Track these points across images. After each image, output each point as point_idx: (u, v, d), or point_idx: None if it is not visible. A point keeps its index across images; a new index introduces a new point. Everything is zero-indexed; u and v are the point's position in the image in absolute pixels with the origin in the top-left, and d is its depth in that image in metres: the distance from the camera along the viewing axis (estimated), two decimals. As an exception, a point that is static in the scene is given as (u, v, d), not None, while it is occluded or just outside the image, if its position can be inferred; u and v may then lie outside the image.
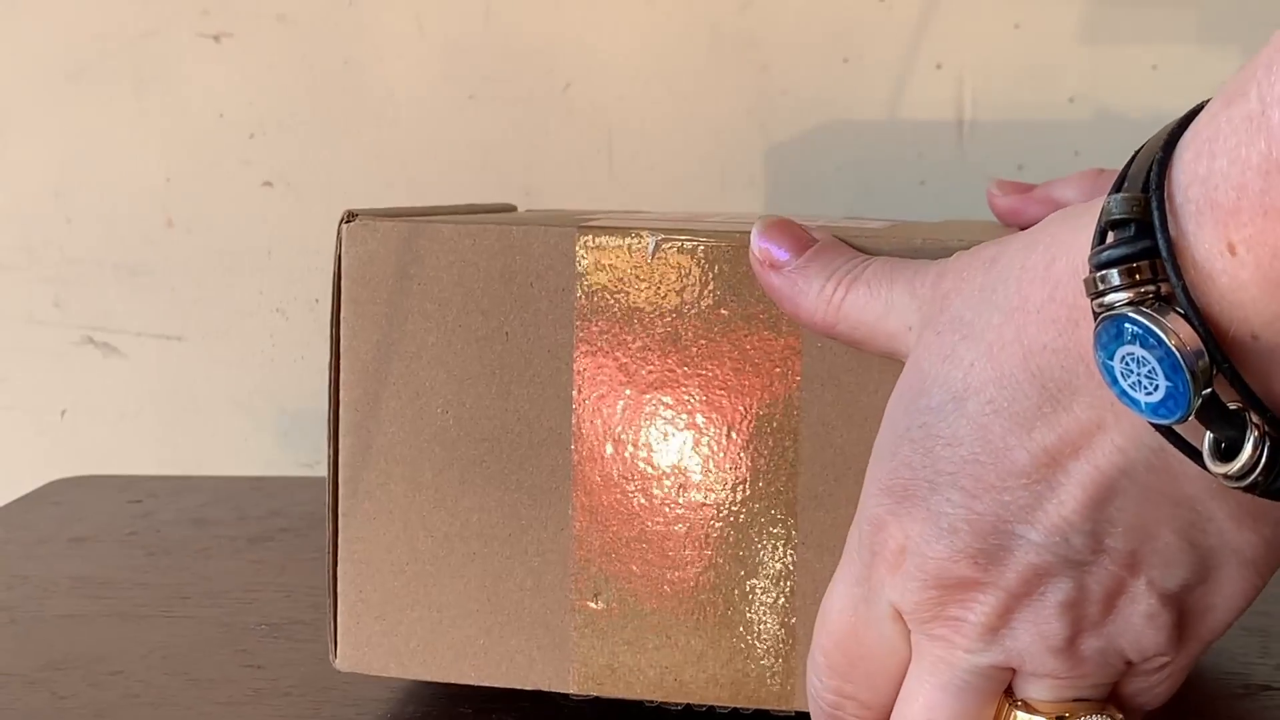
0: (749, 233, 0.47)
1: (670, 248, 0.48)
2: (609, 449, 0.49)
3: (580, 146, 0.89)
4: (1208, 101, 0.35)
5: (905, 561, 0.40)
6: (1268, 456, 0.34)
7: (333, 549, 0.52)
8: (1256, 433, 0.34)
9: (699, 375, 0.48)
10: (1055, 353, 0.37)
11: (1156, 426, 0.36)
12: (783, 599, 0.49)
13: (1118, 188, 0.36)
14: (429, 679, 0.52)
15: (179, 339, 0.94)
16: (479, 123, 0.90)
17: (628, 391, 0.49)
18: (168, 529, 0.76)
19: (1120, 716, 0.42)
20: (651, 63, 0.89)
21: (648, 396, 0.49)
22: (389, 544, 0.52)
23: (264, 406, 0.94)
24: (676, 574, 0.49)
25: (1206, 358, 0.34)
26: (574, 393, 0.49)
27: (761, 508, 0.48)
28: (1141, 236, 0.34)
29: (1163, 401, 0.34)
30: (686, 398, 0.49)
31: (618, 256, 0.49)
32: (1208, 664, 0.57)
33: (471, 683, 0.51)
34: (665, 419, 0.49)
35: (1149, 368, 0.34)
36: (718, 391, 0.48)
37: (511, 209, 0.67)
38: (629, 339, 0.49)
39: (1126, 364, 0.34)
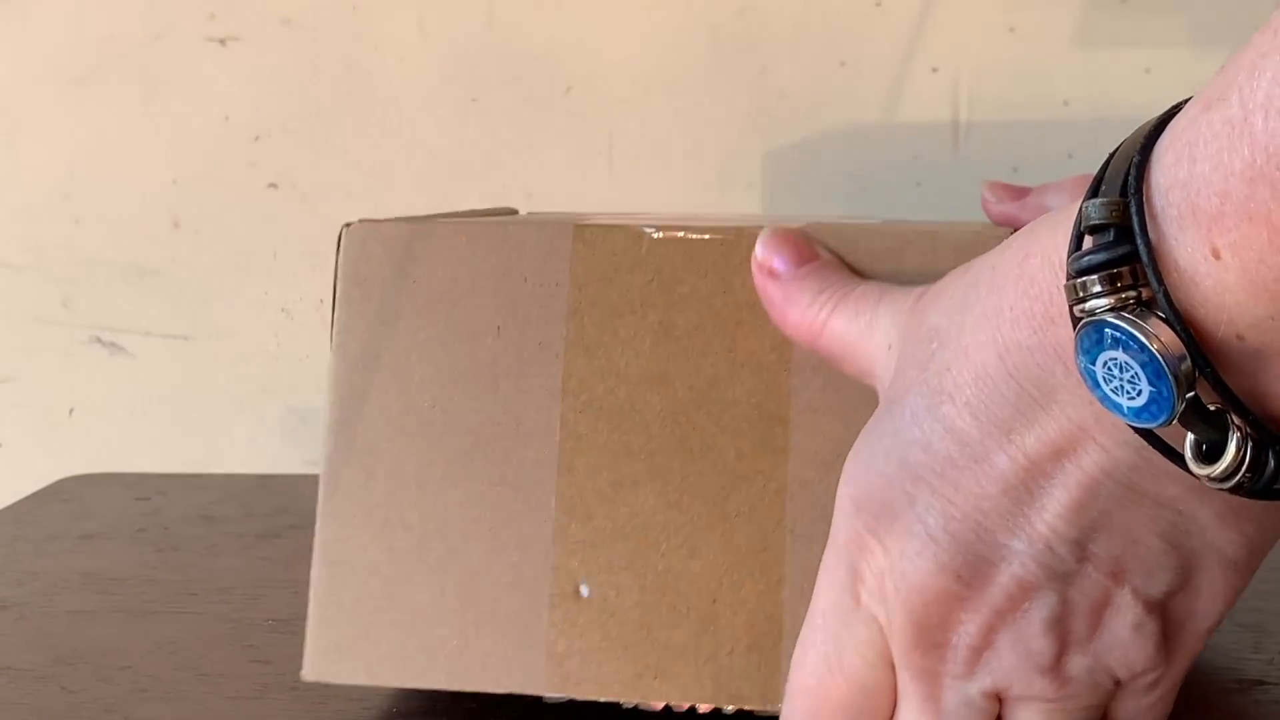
0: (740, 228, 0.47)
1: (661, 238, 0.48)
2: (597, 441, 0.49)
3: (581, 149, 0.89)
4: (1184, 102, 0.35)
5: (886, 581, 0.40)
6: (1251, 457, 0.34)
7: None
8: (1239, 434, 0.34)
9: (689, 366, 0.48)
10: (1031, 351, 0.36)
11: (1139, 431, 0.35)
12: (768, 591, 0.49)
13: (1094, 191, 0.35)
14: (399, 685, 0.51)
15: (186, 338, 0.94)
16: (481, 125, 0.90)
17: (618, 385, 0.49)
18: (176, 526, 0.76)
19: None
20: (651, 66, 0.88)
21: (638, 389, 0.49)
22: (365, 543, 0.51)
23: (270, 405, 0.94)
24: (660, 566, 0.49)
25: (1189, 361, 0.33)
26: (561, 386, 0.49)
27: (749, 497, 0.48)
28: (1121, 242, 0.34)
29: (1145, 406, 0.34)
30: (676, 390, 0.48)
31: (611, 250, 0.49)
32: (1202, 660, 0.57)
33: (443, 688, 0.51)
34: (654, 411, 0.48)
35: (1131, 373, 0.34)
36: (706, 383, 0.48)
37: (513, 213, 0.67)
38: (620, 332, 0.49)
39: (1109, 369, 0.34)
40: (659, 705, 0.50)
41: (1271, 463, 0.34)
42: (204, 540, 0.73)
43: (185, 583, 0.67)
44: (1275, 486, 0.35)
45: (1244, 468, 0.34)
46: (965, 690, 0.40)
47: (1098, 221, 0.34)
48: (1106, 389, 0.34)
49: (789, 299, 0.46)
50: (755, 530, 0.48)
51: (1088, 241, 0.35)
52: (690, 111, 0.89)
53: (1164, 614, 0.40)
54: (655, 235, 0.49)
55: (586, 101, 0.89)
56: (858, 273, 0.49)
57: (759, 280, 0.47)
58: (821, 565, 0.42)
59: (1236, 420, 0.34)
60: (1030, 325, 0.36)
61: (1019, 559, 0.38)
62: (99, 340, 0.94)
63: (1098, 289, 0.34)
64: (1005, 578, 0.38)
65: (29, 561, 0.70)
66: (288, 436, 0.94)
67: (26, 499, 0.81)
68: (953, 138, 0.85)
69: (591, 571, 0.49)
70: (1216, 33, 0.82)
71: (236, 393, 0.94)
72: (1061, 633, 0.39)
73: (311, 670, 0.51)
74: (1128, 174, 0.34)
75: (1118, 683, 0.40)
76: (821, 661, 0.42)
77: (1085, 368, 0.34)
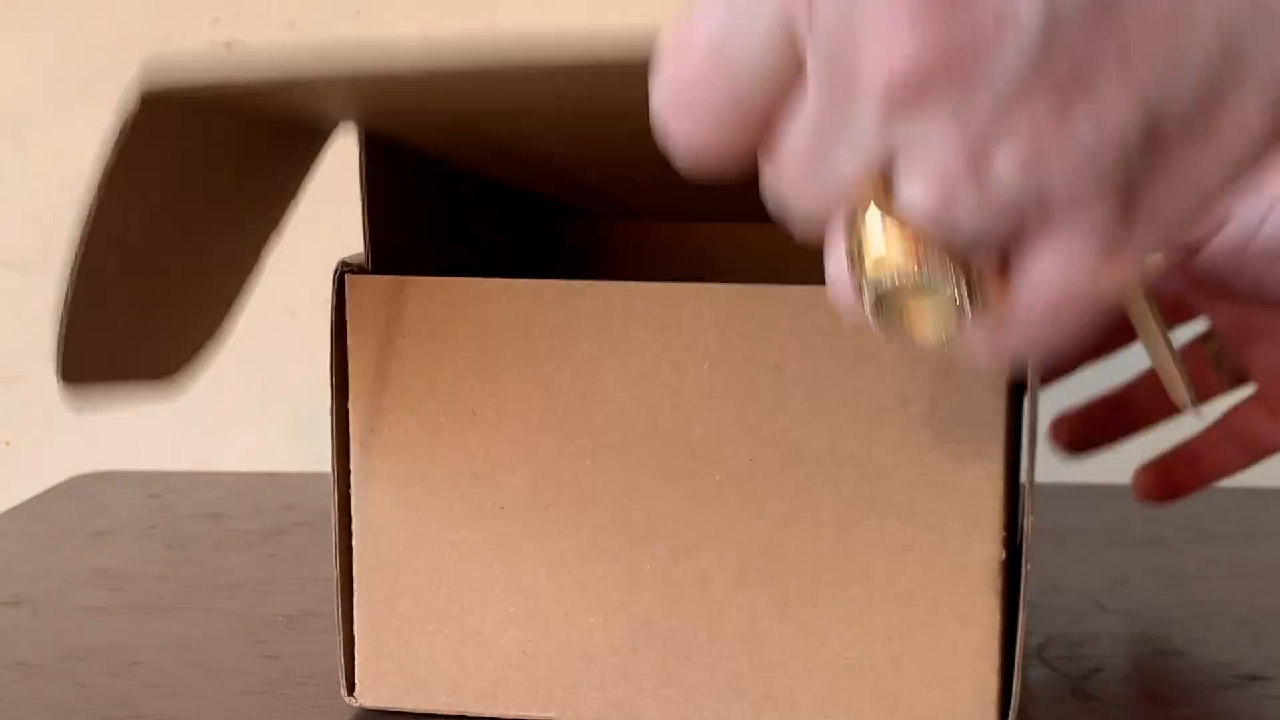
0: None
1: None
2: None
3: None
4: None
5: None
6: None
7: (343, 561, 0.51)
8: None
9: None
10: None
11: None
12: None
13: None
14: (458, 711, 0.51)
15: (192, 338, 0.93)
16: (483, 128, 0.90)
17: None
18: (186, 523, 0.76)
19: (971, 303, 0.32)
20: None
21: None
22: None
23: (276, 404, 0.94)
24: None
25: None
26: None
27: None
28: None
29: None
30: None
31: None
32: (1198, 655, 0.57)
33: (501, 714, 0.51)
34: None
35: None
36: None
37: None
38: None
39: None
40: None
41: None
42: (213, 537, 0.73)
43: (195, 579, 0.67)
44: None
45: None
46: (871, 128, 0.30)
47: None
48: None
49: None
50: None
51: None
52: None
53: (1151, 151, 0.30)
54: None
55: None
56: None
57: None
58: None
59: None
60: None
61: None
62: (107, 340, 0.94)
63: None
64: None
65: (41, 558, 0.70)
66: (294, 435, 0.93)
67: (38, 496, 0.81)
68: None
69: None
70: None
71: (243, 392, 0.94)
72: (1024, 100, 0.29)
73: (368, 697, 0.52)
74: None
75: (1039, 219, 0.31)
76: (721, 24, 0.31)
77: None
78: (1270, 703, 0.53)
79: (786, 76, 0.31)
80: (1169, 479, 0.60)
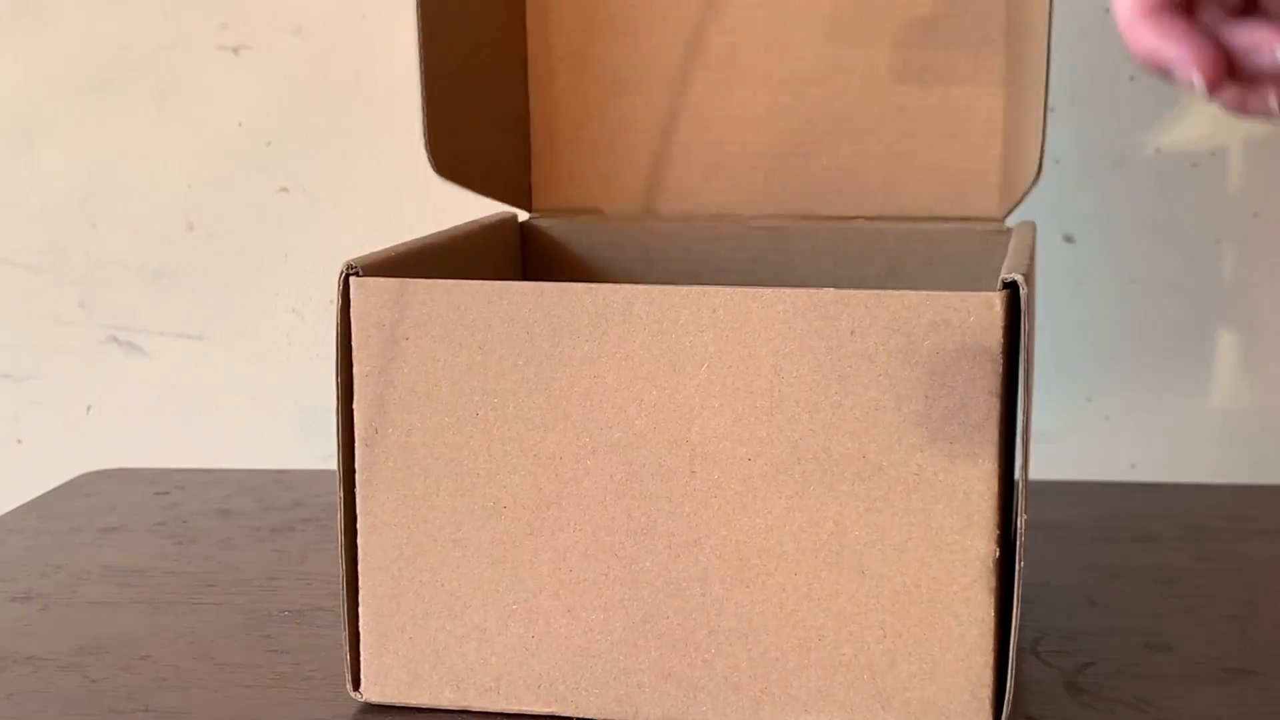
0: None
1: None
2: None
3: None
4: None
5: None
6: None
7: (348, 559, 0.51)
8: None
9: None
10: None
11: None
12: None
13: None
14: (462, 707, 0.52)
15: (199, 338, 0.94)
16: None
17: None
18: (194, 519, 0.76)
19: None
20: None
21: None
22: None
23: (282, 402, 0.94)
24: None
25: None
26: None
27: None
28: None
29: None
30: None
31: None
32: (1187, 648, 0.57)
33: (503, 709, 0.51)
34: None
35: None
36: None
37: (513, 218, 0.67)
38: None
39: None
40: None
41: None
42: (221, 533, 0.73)
43: (203, 574, 0.67)
44: None
45: None
46: None
47: None
48: None
49: None
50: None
51: None
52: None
53: None
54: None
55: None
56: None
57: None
58: None
59: None
60: None
61: None
62: (116, 340, 0.94)
63: None
64: None
65: (52, 554, 0.70)
66: (299, 432, 0.93)
67: (49, 493, 0.81)
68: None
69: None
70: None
71: (249, 390, 0.94)
72: None
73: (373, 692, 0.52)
74: None
75: None
76: None
77: None
78: (1258, 696, 0.53)
79: None
80: None
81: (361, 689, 0.52)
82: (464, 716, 0.52)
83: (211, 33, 0.91)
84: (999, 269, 0.48)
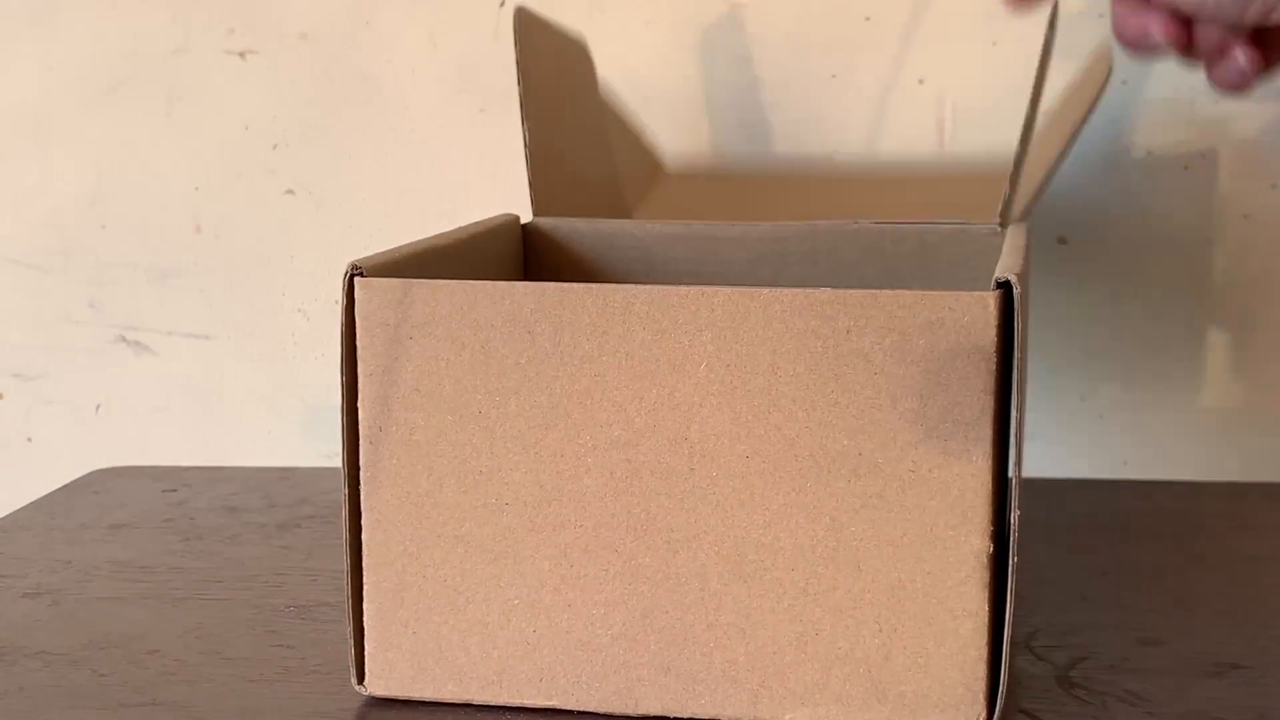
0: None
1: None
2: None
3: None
4: None
5: None
6: None
7: (353, 555, 0.52)
8: None
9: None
10: None
11: None
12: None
13: None
14: (464, 701, 0.52)
15: (207, 338, 0.94)
16: (488, 135, 0.90)
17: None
18: (202, 516, 0.76)
19: None
20: (648, 79, 0.88)
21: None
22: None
23: (287, 401, 0.94)
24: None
25: None
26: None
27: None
28: None
29: None
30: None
31: None
32: (1180, 644, 0.57)
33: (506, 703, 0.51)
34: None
35: None
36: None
37: (515, 219, 0.67)
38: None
39: None
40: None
41: None
42: (228, 530, 0.73)
43: (210, 570, 0.67)
44: None
45: None
46: None
47: None
48: None
49: None
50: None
51: None
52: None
53: None
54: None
55: (589, 111, 0.89)
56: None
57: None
58: None
59: None
60: None
61: None
62: (124, 339, 0.94)
63: None
64: None
65: (62, 550, 0.70)
66: (305, 431, 0.94)
67: (58, 491, 0.81)
68: (938, 144, 0.85)
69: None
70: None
71: (256, 389, 0.94)
72: None
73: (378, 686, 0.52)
74: None
75: None
76: None
77: None
78: (1249, 690, 0.53)
79: None
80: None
81: (366, 683, 0.52)
82: (466, 709, 0.51)
83: (219, 38, 0.91)
84: (994, 271, 0.48)
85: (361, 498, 0.51)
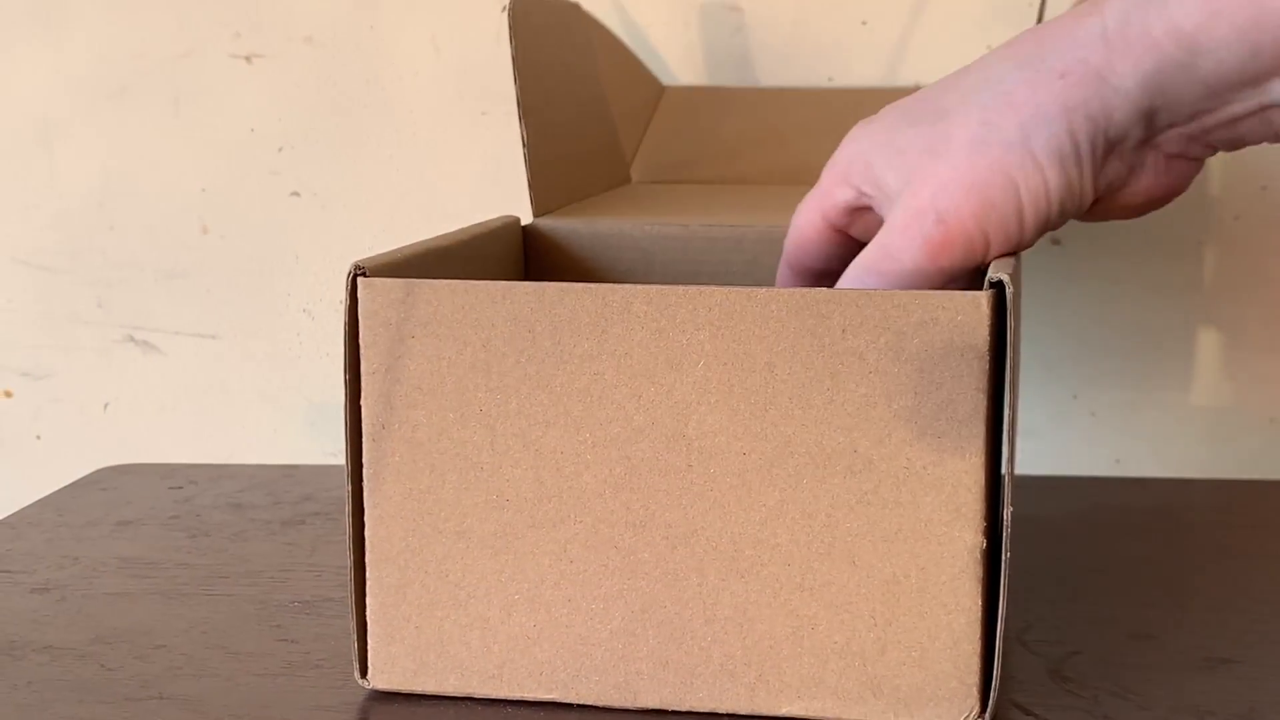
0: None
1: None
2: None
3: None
4: None
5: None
6: None
7: (356, 550, 0.52)
8: None
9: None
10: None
11: None
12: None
13: None
14: (466, 694, 0.52)
15: (213, 337, 0.94)
16: (490, 137, 0.90)
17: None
18: (207, 513, 0.76)
19: None
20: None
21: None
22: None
23: (292, 399, 0.94)
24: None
25: None
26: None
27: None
28: None
29: None
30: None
31: None
32: (1170, 637, 0.57)
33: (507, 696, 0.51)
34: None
35: None
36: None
37: (515, 221, 0.67)
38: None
39: None
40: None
41: None
42: (233, 527, 0.73)
43: (216, 566, 0.67)
44: None
45: None
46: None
47: None
48: None
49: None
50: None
51: None
52: (687, 124, 0.89)
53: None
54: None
55: (590, 114, 0.89)
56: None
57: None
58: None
59: None
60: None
61: None
62: (132, 339, 0.94)
63: None
64: None
65: (69, 547, 0.70)
66: (310, 429, 0.94)
67: (66, 488, 0.81)
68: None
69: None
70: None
71: (261, 388, 0.94)
72: None
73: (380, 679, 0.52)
74: None
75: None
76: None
77: None
78: (1240, 684, 0.53)
79: None
80: None
81: (369, 677, 0.52)
82: (468, 703, 0.51)
83: (225, 42, 0.91)
84: (986, 271, 0.48)
85: (364, 494, 0.51)
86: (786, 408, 0.47)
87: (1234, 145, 0.50)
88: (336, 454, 0.93)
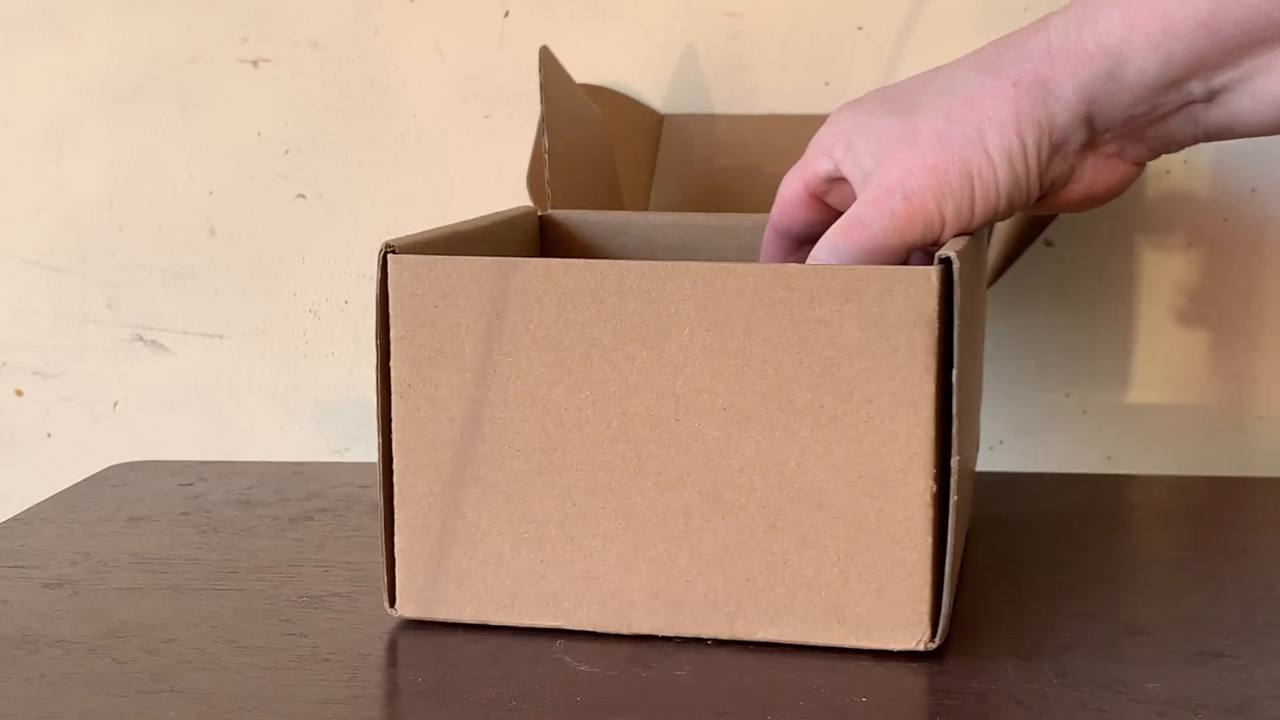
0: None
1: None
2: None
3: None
4: None
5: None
6: None
7: (385, 495, 0.58)
8: None
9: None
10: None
11: None
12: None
13: None
14: (484, 621, 0.58)
15: (221, 337, 0.94)
16: (493, 140, 0.90)
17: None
18: (217, 509, 0.76)
19: None
20: (650, 85, 0.88)
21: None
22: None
23: (298, 398, 0.94)
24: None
25: None
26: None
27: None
28: None
29: None
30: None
31: None
32: (1162, 631, 0.57)
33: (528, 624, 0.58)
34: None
35: None
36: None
37: (532, 211, 0.69)
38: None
39: None
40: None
41: None
42: (242, 523, 0.74)
43: (225, 562, 0.68)
44: None
45: None
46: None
47: None
48: None
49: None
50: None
51: None
52: (687, 127, 0.89)
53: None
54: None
55: (591, 118, 0.89)
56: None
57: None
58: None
59: None
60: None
61: None
62: (141, 339, 0.94)
63: None
64: None
65: (81, 543, 0.71)
66: (316, 427, 0.94)
67: (78, 485, 0.82)
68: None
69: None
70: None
71: (268, 387, 0.94)
72: None
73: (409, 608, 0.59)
74: None
75: None
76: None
77: None
78: (1230, 677, 0.54)
79: None
80: None
81: (396, 606, 0.59)
82: (482, 629, 0.58)
83: (232, 47, 0.91)
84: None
85: (393, 445, 0.58)
86: (761, 368, 0.54)
87: (1168, 145, 0.58)
88: (343, 451, 0.94)
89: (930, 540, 0.54)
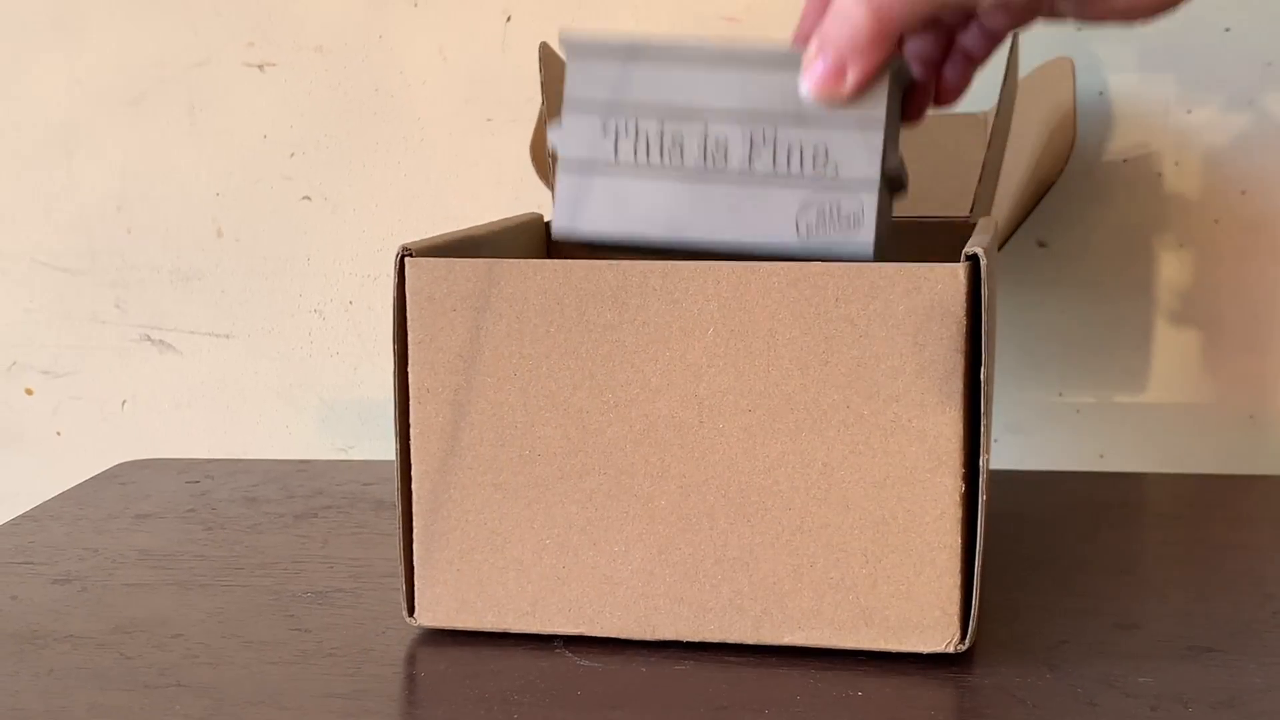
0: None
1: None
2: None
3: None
4: None
5: None
6: None
7: (403, 501, 0.56)
8: None
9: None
10: None
11: None
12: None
13: None
14: (503, 629, 0.56)
15: (227, 337, 0.94)
16: (496, 143, 0.90)
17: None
18: (223, 507, 0.76)
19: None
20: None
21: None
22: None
23: (304, 397, 0.94)
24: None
25: None
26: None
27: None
28: None
29: None
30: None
31: None
32: (1154, 627, 0.57)
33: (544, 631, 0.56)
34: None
35: None
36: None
37: (540, 216, 0.68)
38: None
39: None
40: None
41: None
42: (248, 520, 0.74)
43: (231, 558, 0.68)
44: None
45: None
46: None
47: None
48: None
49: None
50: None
51: None
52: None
53: None
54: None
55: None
56: None
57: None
58: None
59: None
60: None
61: None
62: (149, 338, 0.94)
63: None
64: None
65: (90, 539, 0.71)
66: (321, 426, 0.94)
67: (86, 482, 0.82)
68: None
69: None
70: (1163, 60, 0.82)
71: (274, 386, 0.94)
72: None
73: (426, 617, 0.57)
74: None
75: None
76: None
77: None
78: (1220, 671, 0.53)
79: None
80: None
81: (415, 615, 0.57)
82: (504, 637, 0.56)
83: (239, 51, 0.91)
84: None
85: (411, 450, 0.56)
86: (786, 369, 0.52)
87: None
88: (347, 449, 0.94)
89: (959, 540, 0.52)
